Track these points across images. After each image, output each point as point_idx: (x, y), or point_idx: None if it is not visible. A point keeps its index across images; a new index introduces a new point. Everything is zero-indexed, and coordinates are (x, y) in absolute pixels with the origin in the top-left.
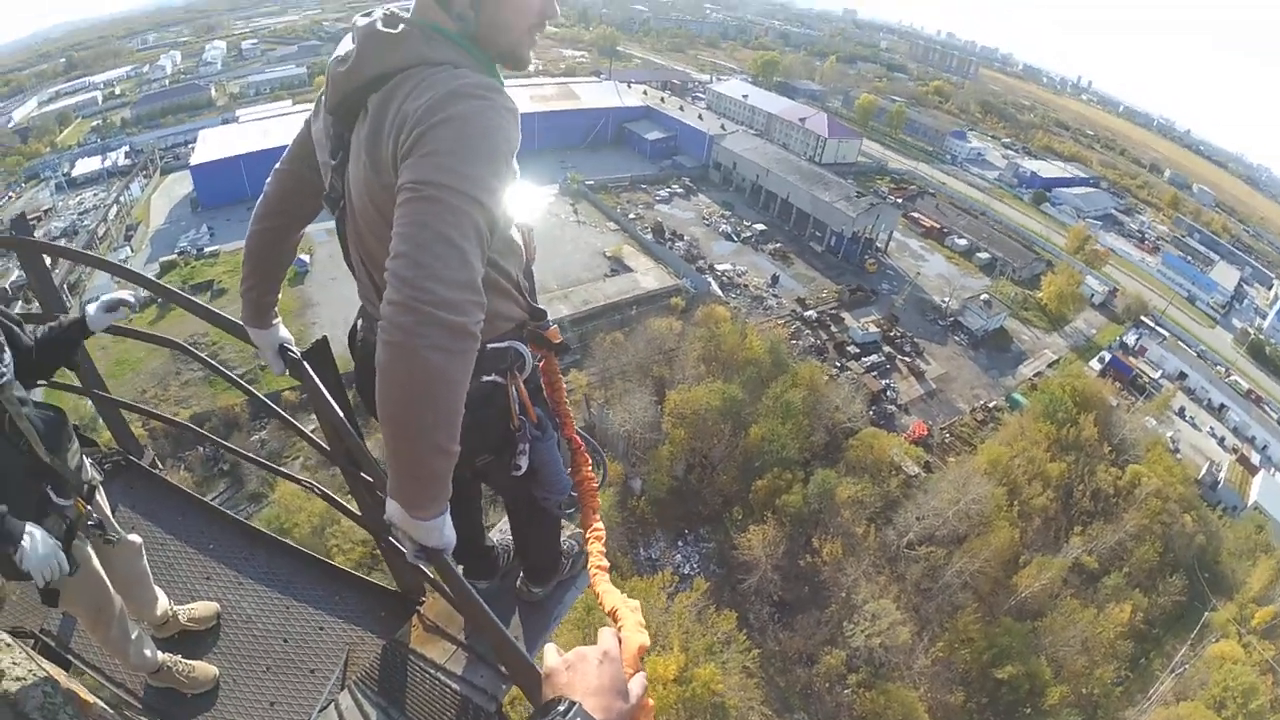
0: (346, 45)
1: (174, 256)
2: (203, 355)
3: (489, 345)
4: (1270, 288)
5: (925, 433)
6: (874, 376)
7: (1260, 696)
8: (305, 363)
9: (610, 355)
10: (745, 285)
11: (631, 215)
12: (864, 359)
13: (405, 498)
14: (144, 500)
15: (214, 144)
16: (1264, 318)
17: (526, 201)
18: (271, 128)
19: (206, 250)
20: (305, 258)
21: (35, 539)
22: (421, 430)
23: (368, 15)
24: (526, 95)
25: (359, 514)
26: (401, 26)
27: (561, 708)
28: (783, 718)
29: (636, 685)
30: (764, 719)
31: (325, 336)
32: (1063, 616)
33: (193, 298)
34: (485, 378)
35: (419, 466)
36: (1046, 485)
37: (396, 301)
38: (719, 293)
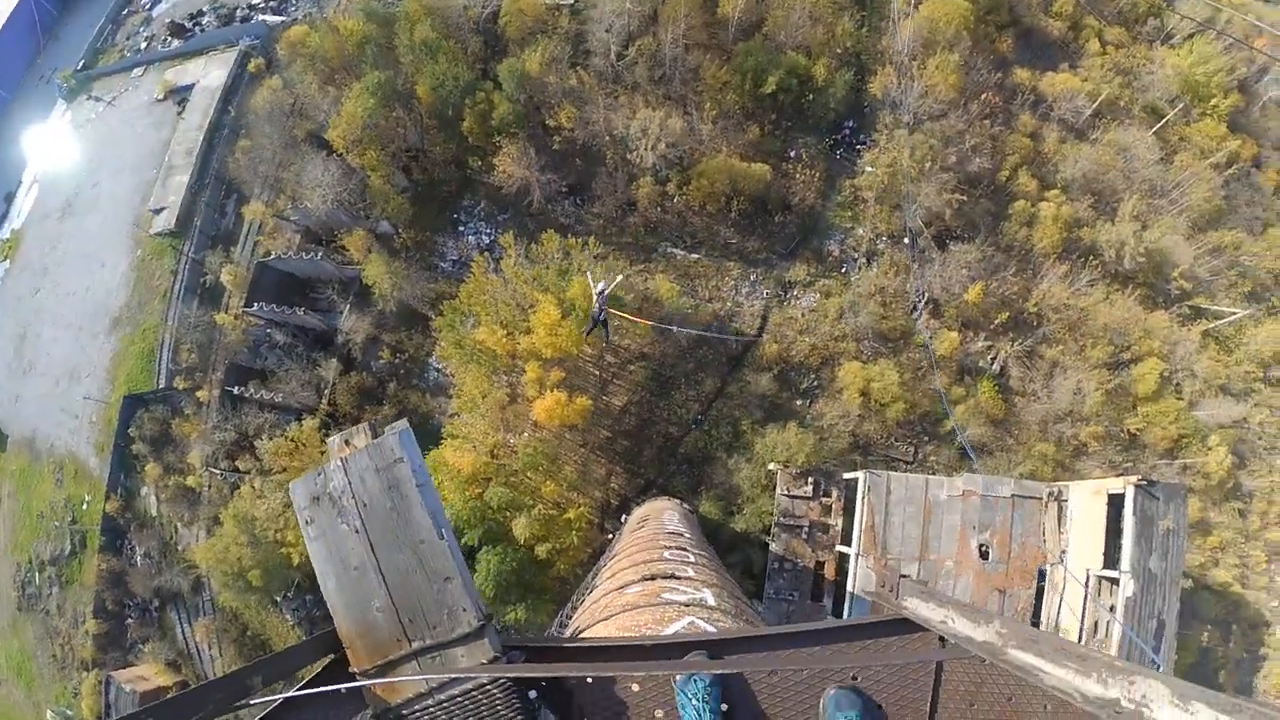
0: None
1: None
2: None
3: None
4: None
5: None
6: None
7: None
8: None
9: (255, 162)
10: None
11: (143, 46)
12: None
13: None
14: None
15: None
16: None
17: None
18: None
19: None
20: None
21: None
22: None
23: None
24: None
25: None
26: None
27: None
28: (653, 258)
29: None
30: (643, 272)
31: None
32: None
33: None
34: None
35: None
36: None
37: None
38: (281, 18)
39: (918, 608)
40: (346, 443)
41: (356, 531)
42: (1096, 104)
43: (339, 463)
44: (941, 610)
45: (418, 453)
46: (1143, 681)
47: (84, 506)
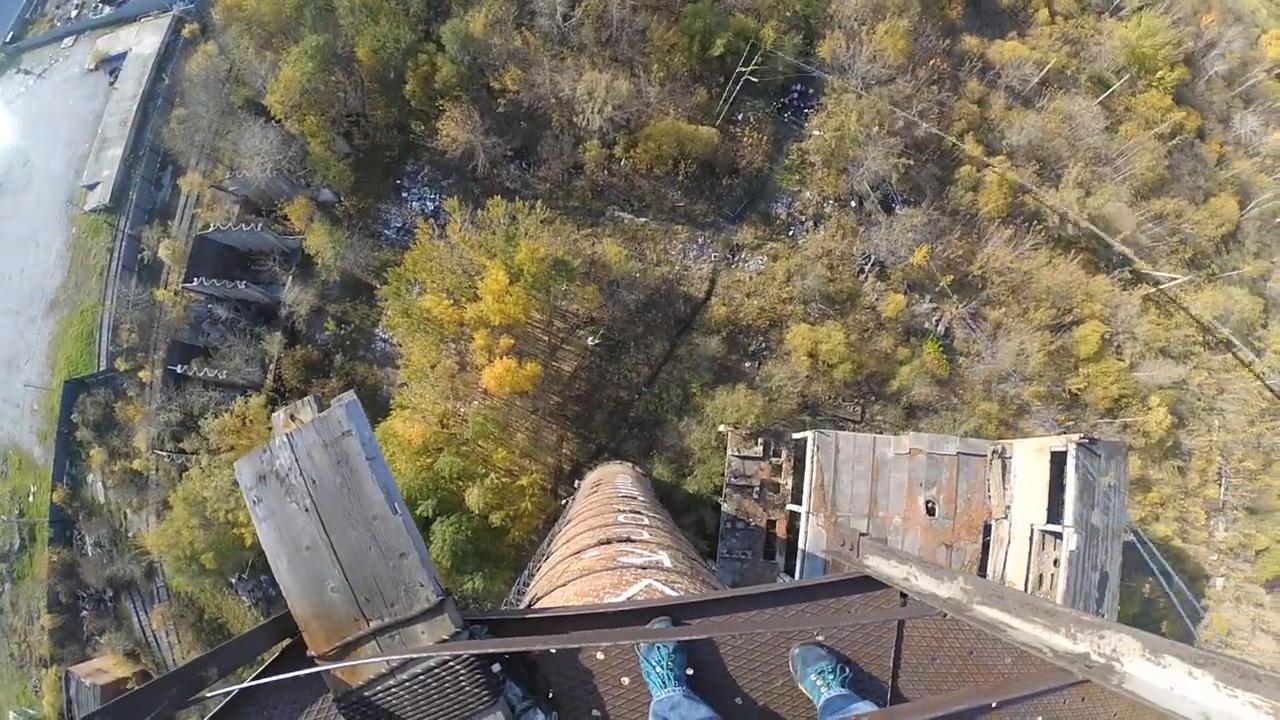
0: None
1: None
2: None
3: None
4: None
5: None
6: None
7: None
8: None
9: (191, 131)
10: None
11: (73, 14)
12: None
13: None
14: None
15: None
16: None
17: None
18: None
19: None
20: None
21: None
22: None
23: None
24: None
25: None
26: None
27: None
28: (600, 222)
29: None
30: (590, 236)
31: None
32: None
33: None
34: None
35: None
36: None
37: None
38: None
39: (879, 565)
40: (292, 417)
41: (306, 510)
42: (1044, 72)
43: (284, 439)
44: (904, 567)
45: (366, 425)
46: (1113, 635)
47: (30, 498)
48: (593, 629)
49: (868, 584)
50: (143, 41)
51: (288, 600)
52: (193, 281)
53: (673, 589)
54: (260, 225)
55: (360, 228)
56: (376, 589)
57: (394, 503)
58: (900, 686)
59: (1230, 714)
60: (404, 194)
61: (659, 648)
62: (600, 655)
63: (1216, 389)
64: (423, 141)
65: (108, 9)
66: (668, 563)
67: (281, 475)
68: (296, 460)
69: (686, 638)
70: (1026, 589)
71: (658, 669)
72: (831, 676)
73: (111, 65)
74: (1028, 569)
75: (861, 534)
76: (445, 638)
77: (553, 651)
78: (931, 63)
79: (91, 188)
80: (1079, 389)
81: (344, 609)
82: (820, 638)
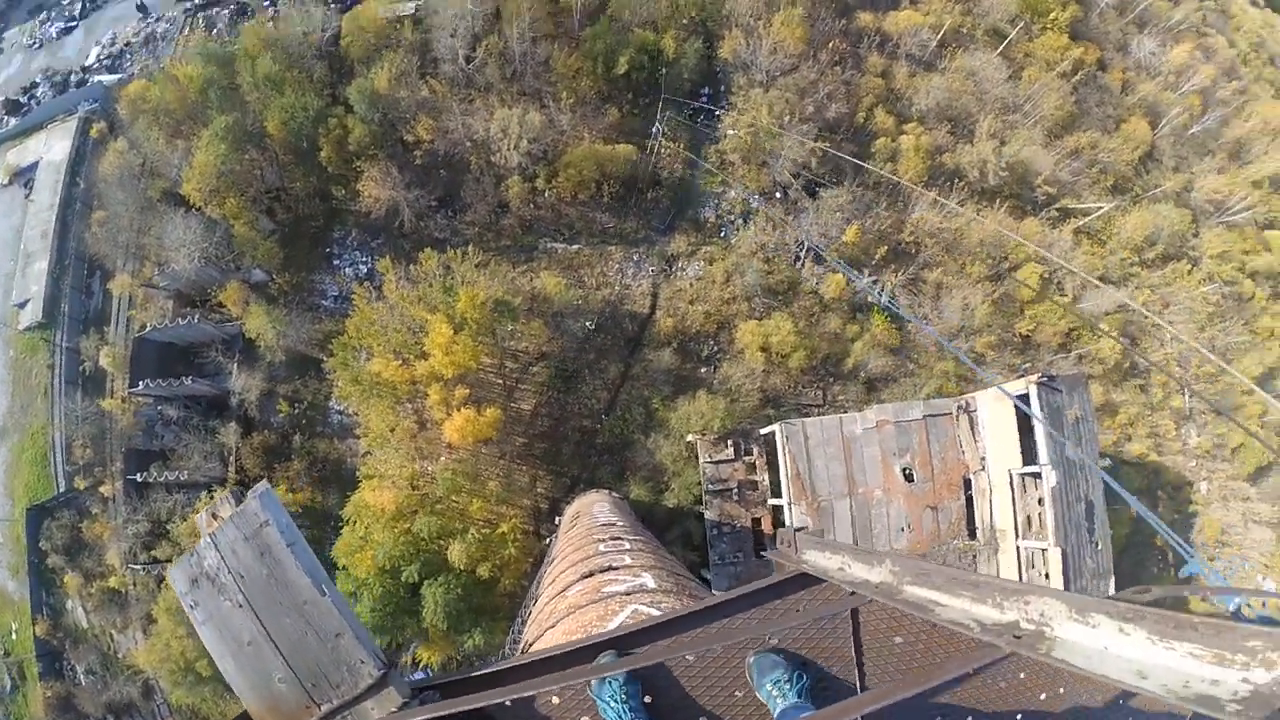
0: None
1: None
2: None
3: None
4: None
5: None
6: None
7: None
8: None
9: (113, 232)
10: (132, 40)
11: None
12: None
13: None
14: None
15: None
16: None
17: None
18: None
19: None
20: None
21: None
22: None
23: None
24: None
25: None
26: None
27: None
28: (535, 256)
29: None
30: (527, 272)
31: None
32: None
33: None
34: None
35: None
36: None
37: None
38: (118, 75)
39: (815, 559)
40: (214, 516)
41: (240, 606)
42: (940, 35)
43: (209, 539)
44: (837, 558)
45: (283, 512)
46: (1038, 600)
47: (13, 636)
48: (541, 675)
49: (811, 579)
50: (52, 148)
51: (240, 699)
52: (138, 385)
53: (658, 609)
54: (197, 317)
55: (297, 303)
56: (320, 673)
57: (321, 585)
58: (868, 671)
59: (1169, 667)
60: (335, 261)
61: (609, 682)
62: (556, 699)
63: (1161, 304)
64: (346, 206)
65: (12, 120)
66: (651, 584)
67: (211, 575)
68: (223, 558)
69: (628, 668)
70: (1016, 534)
71: (612, 704)
72: (788, 686)
73: (25, 177)
74: (1014, 513)
75: (798, 529)
76: (394, 709)
77: (507, 703)
78: (831, 45)
79: (22, 306)
80: (1029, 331)
81: (294, 698)
82: (774, 642)
